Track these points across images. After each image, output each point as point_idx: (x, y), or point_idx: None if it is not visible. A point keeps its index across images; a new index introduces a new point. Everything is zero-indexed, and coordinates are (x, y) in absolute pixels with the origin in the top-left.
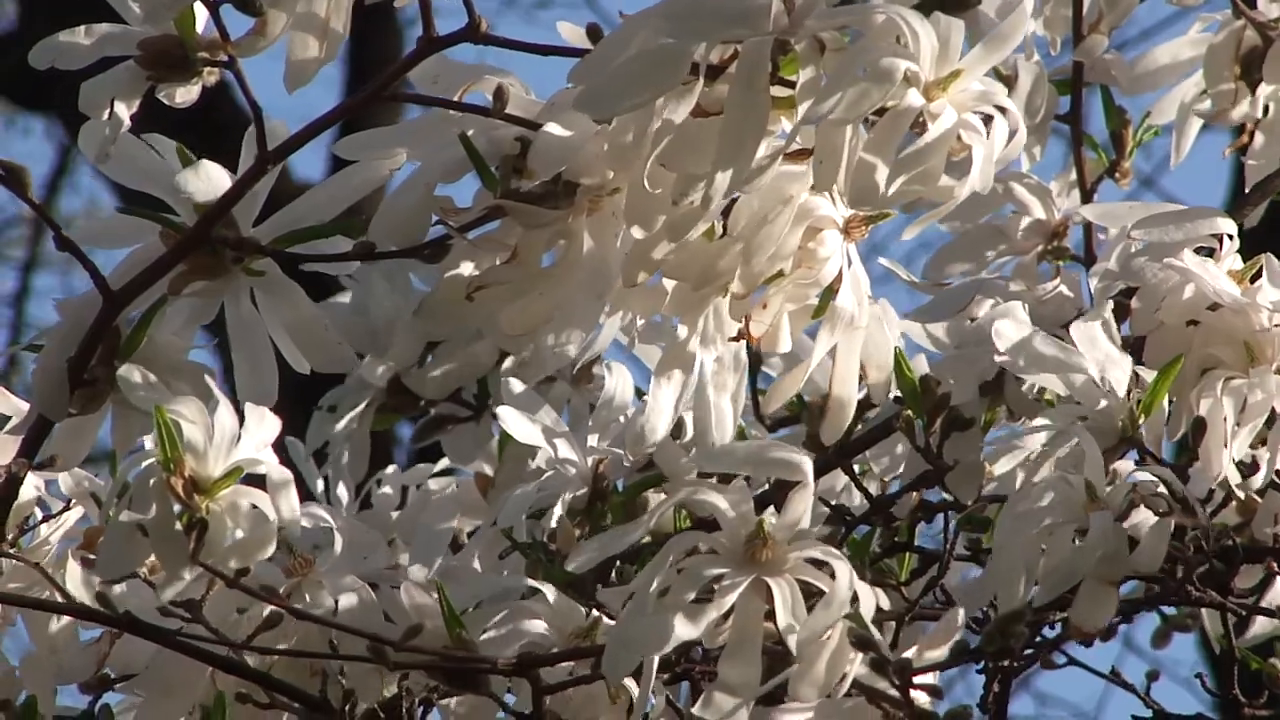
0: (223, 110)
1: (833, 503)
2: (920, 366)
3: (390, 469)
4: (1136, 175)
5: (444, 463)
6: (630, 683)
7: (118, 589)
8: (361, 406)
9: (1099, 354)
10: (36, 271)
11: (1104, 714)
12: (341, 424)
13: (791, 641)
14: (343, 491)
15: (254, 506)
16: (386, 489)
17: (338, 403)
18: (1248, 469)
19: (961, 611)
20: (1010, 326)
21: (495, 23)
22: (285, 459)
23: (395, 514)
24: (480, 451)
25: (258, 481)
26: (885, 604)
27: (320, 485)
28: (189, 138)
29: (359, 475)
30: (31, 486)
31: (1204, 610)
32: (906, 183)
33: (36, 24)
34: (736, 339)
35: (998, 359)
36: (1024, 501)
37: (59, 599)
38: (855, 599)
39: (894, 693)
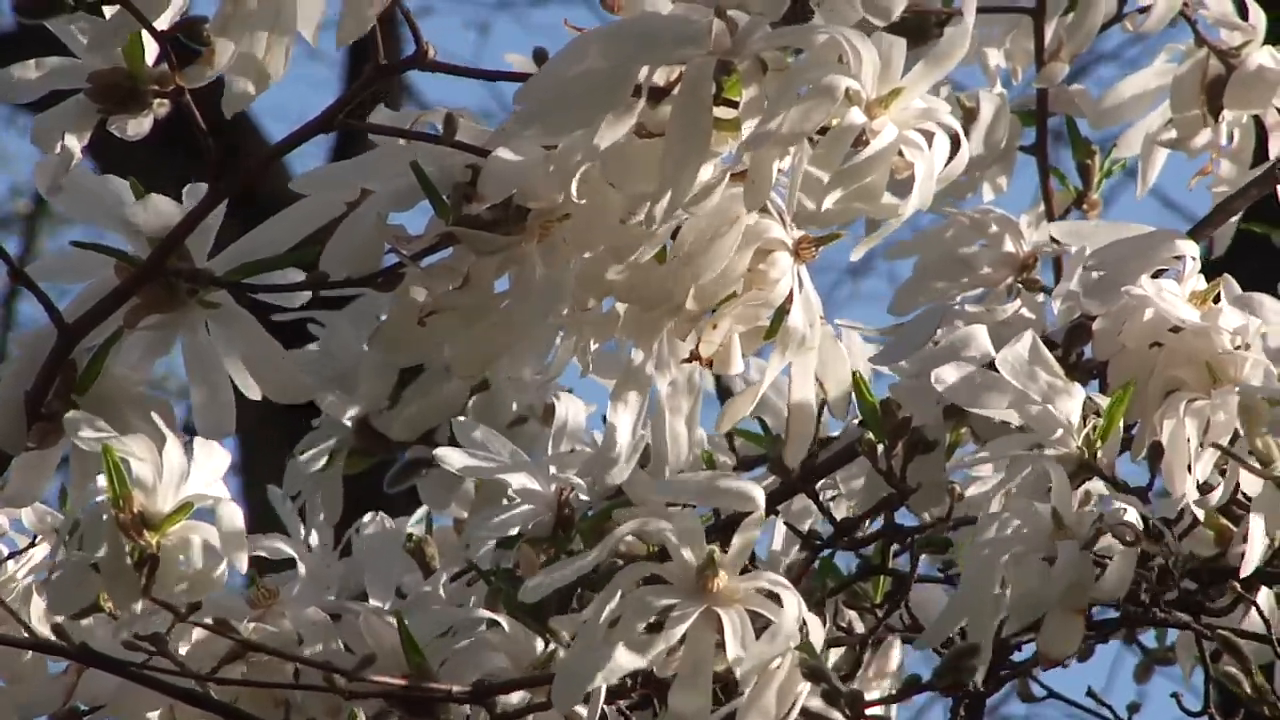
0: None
1: (804, 528)
2: (883, 391)
3: (367, 516)
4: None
5: (422, 511)
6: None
7: (85, 622)
8: (328, 448)
9: (1040, 386)
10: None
11: None
12: (306, 457)
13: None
14: (315, 539)
15: (205, 541)
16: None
17: (309, 448)
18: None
19: (897, 646)
20: (951, 372)
21: (490, 23)
22: (267, 506)
23: None
24: (455, 495)
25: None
26: (859, 627)
27: (301, 532)
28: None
29: (333, 520)
30: None
31: (1179, 633)
32: (848, 199)
33: (36, 24)
34: (688, 361)
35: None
36: (992, 529)
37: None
38: (805, 629)
39: None
